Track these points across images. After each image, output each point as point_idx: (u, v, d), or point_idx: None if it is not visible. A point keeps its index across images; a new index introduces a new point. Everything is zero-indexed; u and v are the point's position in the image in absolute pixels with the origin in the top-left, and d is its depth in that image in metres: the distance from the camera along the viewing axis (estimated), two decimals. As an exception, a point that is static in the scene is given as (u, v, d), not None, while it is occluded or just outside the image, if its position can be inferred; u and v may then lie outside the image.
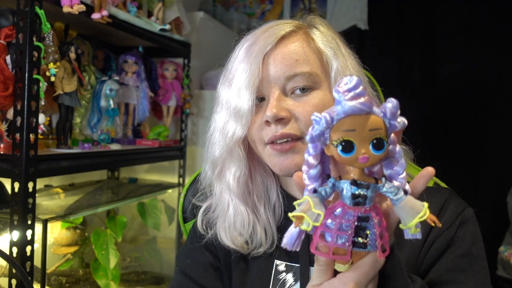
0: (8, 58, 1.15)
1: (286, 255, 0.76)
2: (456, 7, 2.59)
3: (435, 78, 2.65)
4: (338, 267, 0.52)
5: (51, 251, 1.56)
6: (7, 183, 1.34)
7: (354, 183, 0.49)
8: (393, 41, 2.71)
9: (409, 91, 2.64)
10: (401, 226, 0.49)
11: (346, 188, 0.49)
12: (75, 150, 1.35)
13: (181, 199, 1.02)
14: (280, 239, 0.75)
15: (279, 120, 0.69)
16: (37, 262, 1.20)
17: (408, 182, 0.76)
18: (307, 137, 0.49)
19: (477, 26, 2.57)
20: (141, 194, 1.82)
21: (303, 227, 0.48)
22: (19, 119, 1.12)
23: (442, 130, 2.65)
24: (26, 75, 1.11)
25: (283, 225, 0.77)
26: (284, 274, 0.75)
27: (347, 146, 0.46)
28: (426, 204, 0.48)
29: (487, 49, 2.55)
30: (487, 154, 2.58)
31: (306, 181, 0.51)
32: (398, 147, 0.49)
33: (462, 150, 2.60)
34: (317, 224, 0.48)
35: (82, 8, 1.24)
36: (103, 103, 1.59)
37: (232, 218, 0.75)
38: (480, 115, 2.60)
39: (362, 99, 0.46)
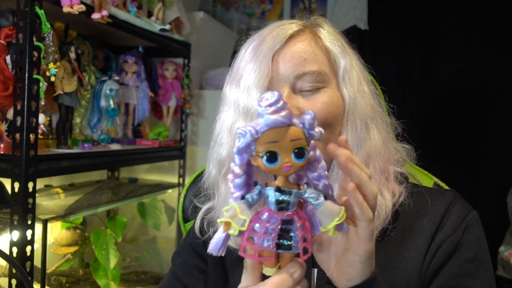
0: (8, 58, 1.15)
1: None
2: (456, 7, 2.59)
3: (435, 78, 2.65)
4: (266, 271, 0.55)
5: (51, 251, 1.56)
6: (7, 183, 1.34)
7: (278, 190, 0.53)
8: (393, 41, 2.71)
9: (409, 91, 2.64)
10: (321, 228, 0.53)
11: (271, 195, 0.53)
12: (75, 150, 1.35)
13: (181, 199, 1.02)
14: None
15: None
16: (37, 262, 1.20)
17: (409, 183, 0.76)
18: (234, 150, 0.53)
19: (477, 26, 2.57)
20: (141, 194, 1.82)
21: (231, 231, 0.52)
22: (19, 119, 1.12)
23: (442, 130, 2.65)
24: (26, 75, 1.11)
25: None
26: None
27: (272, 157, 0.51)
28: (343, 208, 0.52)
29: (487, 49, 2.55)
30: (487, 154, 2.58)
31: (232, 189, 0.55)
32: (318, 152, 0.53)
33: (462, 150, 2.60)
34: (243, 229, 0.52)
35: (82, 8, 1.24)
36: (103, 103, 1.59)
37: None
38: (480, 115, 2.60)
39: (283, 113, 0.50)
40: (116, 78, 1.64)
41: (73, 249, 1.61)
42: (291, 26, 0.73)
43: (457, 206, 0.73)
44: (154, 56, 1.97)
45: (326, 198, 0.53)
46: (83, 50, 1.57)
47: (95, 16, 1.33)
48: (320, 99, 0.70)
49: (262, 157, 0.51)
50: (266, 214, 0.54)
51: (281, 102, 0.50)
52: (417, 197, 0.74)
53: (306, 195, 0.54)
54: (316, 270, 0.73)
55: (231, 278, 0.80)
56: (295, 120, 0.51)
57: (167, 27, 1.75)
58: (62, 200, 1.57)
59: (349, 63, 0.72)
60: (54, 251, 1.58)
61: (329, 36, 0.74)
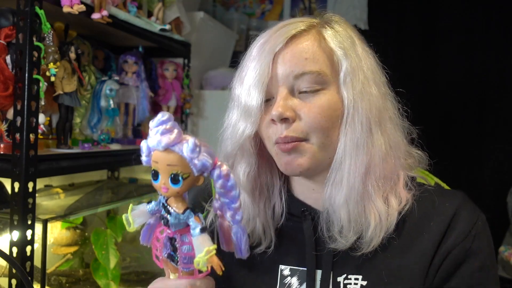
0: (8, 58, 1.15)
1: (290, 259, 0.76)
2: (456, 7, 2.59)
3: (435, 78, 2.65)
4: (171, 275, 0.60)
5: (51, 251, 1.56)
6: (7, 183, 1.34)
7: (163, 206, 0.56)
8: (393, 41, 2.70)
9: (409, 91, 2.64)
10: (194, 260, 0.54)
11: (161, 208, 0.57)
12: (75, 150, 1.35)
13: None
14: (280, 242, 0.76)
15: (284, 120, 0.69)
16: (37, 262, 1.20)
17: (418, 183, 0.76)
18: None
19: (477, 26, 2.56)
20: (141, 194, 1.81)
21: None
22: (19, 119, 1.12)
23: (442, 130, 2.65)
24: (26, 75, 1.11)
25: (282, 227, 0.78)
26: (289, 278, 0.75)
27: (154, 175, 0.54)
28: (212, 247, 0.53)
29: (487, 49, 2.55)
30: (487, 154, 2.57)
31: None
32: (231, 181, 0.55)
33: (462, 150, 2.60)
34: (132, 229, 0.58)
35: (82, 8, 1.24)
36: (103, 103, 1.59)
37: None
38: (480, 115, 2.60)
39: (161, 137, 0.52)
40: (116, 78, 1.64)
41: (73, 249, 1.61)
42: (296, 25, 0.73)
43: (467, 209, 0.72)
44: (154, 56, 1.97)
45: (203, 230, 0.54)
46: (83, 50, 1.57)
47: (95, 16, 1.33)
48: (317, 102, 0.69)
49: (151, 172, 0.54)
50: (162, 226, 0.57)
51: (165, 126, 0.52)
52: (425, 200, 0.73)
53: (188, 220, 0.55)
54: (320, 271, 0.72)
55: (234, 279, 0.80)
56: (176, 147, 0.52)
57: (167, 27, 1.75)
58: (62, 200, 1.57)
59: (354, 64, 0.70)
60: (54, 251, 1.58)
61: (335, 36, 0.72)
